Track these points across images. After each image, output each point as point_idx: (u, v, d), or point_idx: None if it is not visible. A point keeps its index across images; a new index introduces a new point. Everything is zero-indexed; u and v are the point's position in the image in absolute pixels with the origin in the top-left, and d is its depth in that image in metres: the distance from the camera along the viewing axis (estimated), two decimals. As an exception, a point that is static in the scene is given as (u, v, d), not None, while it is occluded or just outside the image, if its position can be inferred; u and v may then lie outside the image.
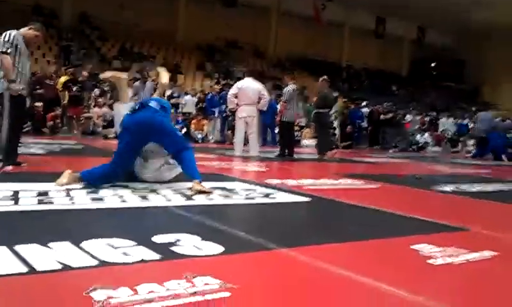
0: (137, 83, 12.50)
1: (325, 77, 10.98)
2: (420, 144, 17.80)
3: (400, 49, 35.90)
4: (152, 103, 4.55)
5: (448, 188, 6.13)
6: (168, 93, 15.59)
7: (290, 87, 10.17)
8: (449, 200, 5.37)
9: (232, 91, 9.49)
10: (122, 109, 4.63)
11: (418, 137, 18.37)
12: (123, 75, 4.78)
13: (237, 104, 9.33)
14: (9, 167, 5.23)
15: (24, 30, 5.53)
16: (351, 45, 32.79)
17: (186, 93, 15.99)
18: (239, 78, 10.67)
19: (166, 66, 22.69)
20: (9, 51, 5.24)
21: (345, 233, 3.22)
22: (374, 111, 16.96)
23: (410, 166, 10.46)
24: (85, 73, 13.50)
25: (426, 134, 18.84)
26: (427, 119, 21.35)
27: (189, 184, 4.37)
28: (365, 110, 17.41)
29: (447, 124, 19.60)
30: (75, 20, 23.80)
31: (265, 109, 9.76)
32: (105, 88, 15.23)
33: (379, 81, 30.80)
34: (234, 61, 25.88)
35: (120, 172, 4.38)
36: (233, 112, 10.61)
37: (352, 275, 2.29)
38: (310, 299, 1.98)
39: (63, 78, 12.74)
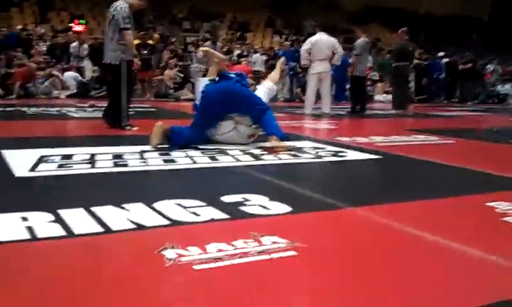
0: (207, 43, 12.57)
1: (404, 28, 10.54)
2: (502, 96, 16.82)
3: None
4: (231, 74, 4.69)
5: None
6: (238, 51, 15.62)
7: (361, 40, 9.88)
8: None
9: (305, 46, 9.30)
10: (203, 82, 4.70)
11: (499, 87, 17.36)
12: (221, 56, 4.89)
13: (310, 60, 9.17)
14: (135, 128, 5.72)
15: (129, 0, 5.70)
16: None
17: (255, 51, 15.92)
18: (310, 34, 10.42)
19: (235, 24, 22.51)
20: (129, 26, 5.53)
21: (417, 191, 3.13)
22: (452, 62, 16.14)
23: (489, 119, 9.96)
24: (156, 36, 13.73)
25: (508, 85, 17.75)
26: (509, 68, 20.06)
27: (263, 144, 4.42)
28: (444, 61, 16.59)
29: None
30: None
31: (339, 63, 9.53)
32: (178, 50, 15.45)
33: (458, 29, 29.20)
34: (305, 16, 25.38)
35: (202, 137, 4.51)
36: (305, 69, 10.45)
37: (425, 234, 2.22)
38: (380, 259, 1.95)
39: (134, 42, 13.03)
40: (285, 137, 4.42)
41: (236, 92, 4.50)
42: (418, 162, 4.31)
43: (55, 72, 12.02)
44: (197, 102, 4.72)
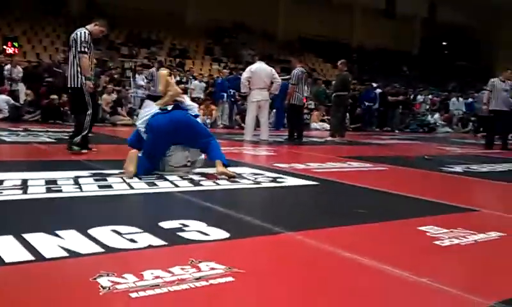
0: (152, 69, 12.54)
1: (343, 60, 10.99)
2: (431, 125, 17.66)
3: (411, 28, 35.44)
4: (182, 104, 4.67)
5: (459, 168, 6.09)
6: (177, 78, 15.59)
7: (298, 70, 10.13)
8: (458, 181, 5.34)
9: (245, 74, 9.46)
10: (150, 108, 4.63)
11: (429, 117, 18.22)
12: (179, 90, 4.78)
13: (250, 88, 9.31)
14: (94, 149, 5.94)
15: (90, 27, 5.93)
16: (362, 25, 32.40)
17: (194, 78, 15.97)
18: (248, 62, 10.62)
19: (174, 51, 22.50)
20: (86, 51, 5.75)
21: (352, 216, 3.22)
22: (384, 93, 16.82)
23: (420, 147, 10.40)
24: (94, 60, 13.47)
25: (437, 115, 18.66)
26: (437, 99, 21.14)
27: (207, 169, 4.45)
28: (378, 91, 17.27)
29: (457, 104, 19.35)
30: (83, 7, 23.74)
31: (277, 92, 9.75)
32: (115, 75, 15.22)
33: (390, 61, 30.48)
34: (243, 45, 25.74)
35: (156, 165, 4.45)
36: (244, 97, 10.58)
37: (358, 258, 2.29)
38: (316, 284, 1.99)
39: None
40: (227, 165, 4.43)
41: (187, 123, 4.48)
42: (353, 188, 4.44)
43: None
44: (139, 126, 4.62)
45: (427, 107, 19.17)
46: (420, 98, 19.33)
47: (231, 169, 4.46)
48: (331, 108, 11.91)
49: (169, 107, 4.62)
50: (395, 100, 16.48)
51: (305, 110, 14.12)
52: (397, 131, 15.79)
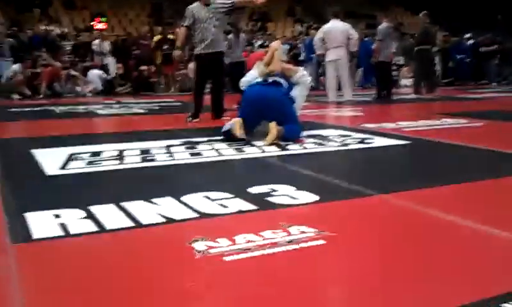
0: (230, 36, 12.57)
1: (425, 11, 10.45)
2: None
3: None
4: (283, 82, 4.55)
5: None
6: (259, 42, 15.56)
7: (384, 26, 9.77)
8: None
9: (318, 35, 9.26)
10: (249, 76, 4.68)
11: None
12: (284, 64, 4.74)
13: (326, 48, 9.11)
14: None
15: None
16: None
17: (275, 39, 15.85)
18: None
19: (254, 14, 22.41)
20: (184, 23, 6.20)
21: (446, 176, 3.09)
22: (477, 44, 15.81)
23: (519, 100, 9.74)
24: (177, 30, 13.76)
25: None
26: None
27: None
28: (470, 42, 16.26)
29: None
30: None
31: (355, 49, 9.42)
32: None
33: (483, 9, 28.55)
34: (324, 3, 25.13)
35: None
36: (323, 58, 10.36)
37: (455, 218, 2.20)
38: (410, 247, 1.94)
39: (155, 38, 13.10)
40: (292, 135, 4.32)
41: (278, 103, 4.40)
42: (447, 146, 4.25)
43: (73, 72, 12.16)
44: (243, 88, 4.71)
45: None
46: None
47: (314, 132, 4.40)
48: (414, 63, 11.41)
49: (270, 80, 4.55)
50: (490, 50, 15.45)
51: (394, 67, 13.63)
52: (494, 84, 14.85)
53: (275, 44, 4.97)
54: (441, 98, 9.98)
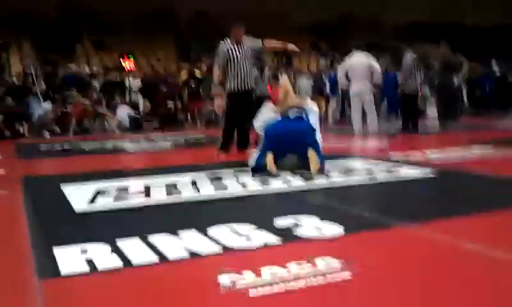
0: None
1: (444, 41, 10.43)
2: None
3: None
4: (303, 115, 4.61)
5: None
6: (284, 76, 15.65)
7: (409, 57, 9.74)
8: None
9: (341, 71, 9.30)
10: (270, 112, 4.77)
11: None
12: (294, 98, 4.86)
13: (349, 81, 9.13)
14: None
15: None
16: (473, 4, 30.43)
17: (300, 74, 15.94)
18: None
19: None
20: (217, 62, 6.27)
21: (474, 206, 3.02)
22: (504, 73, 15.65)
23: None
24: (204, 68, 14.00)
25: None
26: None
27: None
28: (497, 73, 16.11)
29: None
30: (193, 18, 24.69)
31: (379, 82, 9.41)
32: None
33: (507, 39, 28.31)
34: (348, 36, 25.29)
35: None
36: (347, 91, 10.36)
37: (482, 248, 2.14)
38: (437, 279, 1.89)
39: (183, 75, 13.34)
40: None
41: (303, 133, 4.45)
42: (474, 176, 4.18)
43: (101, 110, 12.42)
44: (257, 126, 4.81)
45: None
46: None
47: (342, 163, 4.39)
48: (437, 94, 11.29)
49: (291, 115, 4.58)
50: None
51: (420, 97, 13.53)
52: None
53: (285, 82, 4.99)
54: (468, 127, 9.85)
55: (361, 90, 8.98)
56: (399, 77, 10.11)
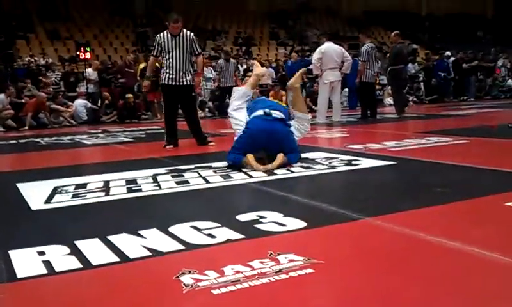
0: (220, 61, 12.68)
1: (396, 31, 10.62)
2: (513, 90, 16.62)
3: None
4: (284, 116, 4.54)
5: (547, 135, 5.72)
6: (244, 67, 15.64)
7: (367, 46, 9.89)
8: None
9: (316, 55, 9.34)
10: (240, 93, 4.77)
11: (510, 82, 17.18)
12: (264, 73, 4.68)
13: (321, 69, 9.20)
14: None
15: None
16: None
17: (262, 65, 15.96)
18: (314, 43, 10.52)
19: (238, 39, 22.56)
20: (153, 53, 6.41)
21: (433, 196, 3.09)
22: (458, 60, 16.05)
23: (502, 115, 9.86)
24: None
25: (519, 78, 17.53)
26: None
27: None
28: (452, 59, 16.50)
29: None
30: (149, 5, 24.31)
31: (348, 71, 9.57)
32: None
33: (463, 27, 29.03)
34: (307, 25, 25.44)
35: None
36: (312, 78, 10.47)
37: (443, 240, 2.19)
38: (400, 270, 1.93)
39: (140, 66, 13.11)
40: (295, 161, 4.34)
41: (282, 136, 4.36)
42: (432, 165, 4.27)
43: (54, 106, 12.10)
44: (231, 112, 4.78)
45: (507, 71, 18.04)
46: (499, 62, 18.24)
47: (303, 155, 4.42)
48: (389, 83, 11.53)
49: (274, 115, 4.47)
50: (470, 66, 15.67)
51: (378, 87, 13.78)
52: (472, 99, 15.05)
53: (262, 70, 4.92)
54: (425, 116, 10.09)
55: (334, 78, 9.10)
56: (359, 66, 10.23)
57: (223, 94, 12.49)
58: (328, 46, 9.23)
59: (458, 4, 30.78)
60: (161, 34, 6.24)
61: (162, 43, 6.14)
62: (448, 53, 16.63)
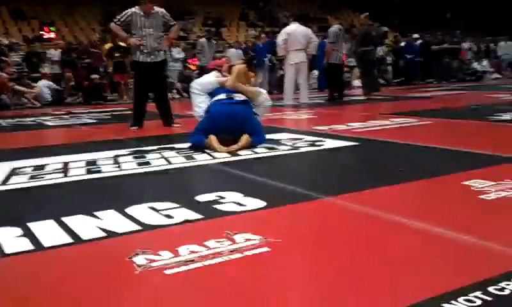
0: (203, 40, 12.52)
1: (366, 13, 10.66)
2: (479, 73, 16.91)
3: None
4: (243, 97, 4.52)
5: (508, 116, 5.83)
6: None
7: (334, 28, 9.89)
8: (507, 129, 5.11)
9: (281, 37, 9.30)
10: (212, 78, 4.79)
11: (475, 65, 17.46)
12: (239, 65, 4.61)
13: (287, 50, 9.17)
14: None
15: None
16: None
17: (230, 46, 15.84)
18: (285, 25, 10.47)
19: (207, 20, 22.25)
20: (115, 21, 6.17)
21: (393, 175, 3.11)
22: (425, 43, 16.21)
23: (467, 97, 10.02)
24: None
25: (485, 61, 17.84)
26: (483, 45, 20.18)
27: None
28: (419, 42, 16.65)
29: (505, 47, 18.42)
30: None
31: (314, 52, 9.57)
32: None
33: (431, 9, 29.32)
34: (278, 7, 25.31)
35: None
36: (280, 60, 10.45)
37: (401, 219, 2.21)
38: (357, 250, 1.93)
39: (106, 46, 12.83)
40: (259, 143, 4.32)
41: (245, 119, 4.34)
42: (394, 145, 4.32)
43: (17, 87, 11.77)
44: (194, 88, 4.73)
45: (473, 54, 18.34)
46: (465, 45, 18.50)
47: (268, 136, 4.41)
48: (358, 65, 11.59)
49: (236, 98, 4.45)
50: (441, 48, 15.86)
51: (346, 69, 13.82)
52: (444, 82, 15.27)
53: (240, 67, 4.82)
54: (391, 98, 10.18)
55: (299, 60, 9.07)
56: (326, 48, 10.24)
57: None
58: (294, 27, 9.19)
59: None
60: (132, 9, 6.07)
61: (134, 20, 6.01)
62: (416, 35, 16.77)
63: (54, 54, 13.07)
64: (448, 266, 1.73)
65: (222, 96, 4.44)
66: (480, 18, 29.32)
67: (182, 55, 13.92)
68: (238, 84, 4.62)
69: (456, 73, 16.57)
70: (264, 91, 4.97)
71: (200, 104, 4.62)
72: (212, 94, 4.60)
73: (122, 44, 12.39)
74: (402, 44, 16.08)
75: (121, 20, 6.08)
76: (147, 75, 6.11)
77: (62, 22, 19.61)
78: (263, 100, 4.76)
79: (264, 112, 4.87)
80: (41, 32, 13.75)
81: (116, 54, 12.28)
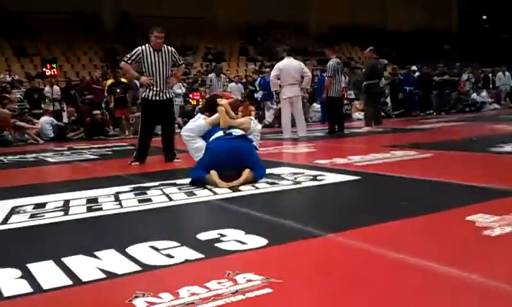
0: (211, 75, 12.69)
1: (371, 47, 10.80)
2: (478, 104, 17.00)
3: (448, 5, 34.35)
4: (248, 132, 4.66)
5: (509, 148, 5.83)
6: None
7: (333, 61, 9.99)
8: (509, 161, 5.10)
9: (273, 72, 9.42)
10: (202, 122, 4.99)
11: (474, 95, 17.56)
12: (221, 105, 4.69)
13: (280, 85, 9.25)
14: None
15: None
16: (396, 8, 31.64)
17: (231, 80, 15.97)
18: (283, 59, 10.60)
19: (208, 55, 22.49)
20: (126, 60, 6.24)
21: (395, 211, 3.08)
22: (424, 75, 16.34)
23: (467, 128, 10.05)
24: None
25: (484, 92, 17.95)
26: (481, 75, 20.31)
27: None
28: (417, 74, 16.79)
29: (504, 78, 18.57)
30: (117, 21, 24.13)
31: (309, 87, 9.67)
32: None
33: (429, 42, 29.65)
34: (277, 41, 25.61)
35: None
36: (277, 94, 10.57)
37: (404, 257, 2.17)
38: (362, 289, 1.89)
39: (108, 82, 12.96)
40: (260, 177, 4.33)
41: (246, 154, 4.38)
42: (396, 179, 4.30)
43: (19, 123, 11.84)
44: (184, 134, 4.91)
45: (472, 85, 18.44)
46: (464, 76, 18.64)
47: (269, 170, 4.42)
48: (363, 98, 11.74)
49: (235, 133, 4.51)
50: (442, 80, 15.98)
51: (345, 101, 13.93)
52: (443, 113, 15.33)
53: (222, 108, 4.84)
54: (391, 130, 10.21)
55: (293, 94, 9.14)
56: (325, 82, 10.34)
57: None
58: (286, 62, 9.28)
59: (423, 19, 31.47)
60: (143, 47, 6.12)
61: (144, 57, 6.05)
62: (414, 67, 16.92)
63: (54, 89, 13.19)
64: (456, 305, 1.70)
65: (220, 133, 4.50)
66: (477, 49, 29.63)
67: (182, 90, 14.03)
68: (230, 122, 4.66)
69: (455, 104, 16.65)
70: (252, 117, 5.08)
71: (197, 147, 4.82)
72: (208, 134, 4.70)
73: (123, 80, 12.53)
74: (401, 76, 16.22)
75: (132, 58, 6.13)
76: (156, 113, 6.16)
77: (64, 58, 19.85)
78: (255, 125, 4.91)
79: (258, 136, 5.01)
80: (43, 69, 13.87)
81: (117, 90, 12.39)
